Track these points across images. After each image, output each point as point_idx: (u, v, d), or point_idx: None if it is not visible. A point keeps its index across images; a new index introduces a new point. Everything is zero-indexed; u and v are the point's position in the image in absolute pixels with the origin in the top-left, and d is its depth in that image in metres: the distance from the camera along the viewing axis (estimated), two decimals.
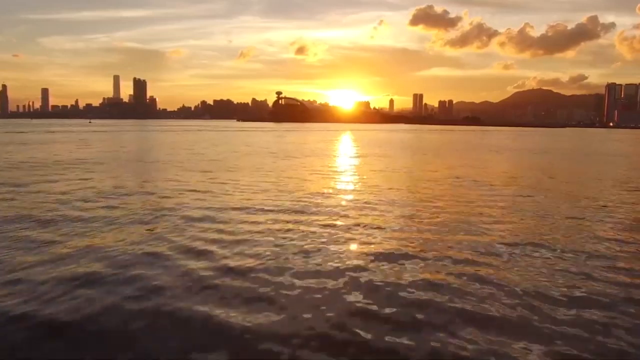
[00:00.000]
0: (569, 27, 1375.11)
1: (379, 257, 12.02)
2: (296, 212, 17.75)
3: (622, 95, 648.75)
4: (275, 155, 47.36)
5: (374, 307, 8.89)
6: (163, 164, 36.36)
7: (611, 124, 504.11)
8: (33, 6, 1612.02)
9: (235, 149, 55.17)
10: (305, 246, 12.96)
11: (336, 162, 40.87)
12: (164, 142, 72.21)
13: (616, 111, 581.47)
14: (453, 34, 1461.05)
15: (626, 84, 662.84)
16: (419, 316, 8.58)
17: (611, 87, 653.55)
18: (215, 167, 34.35)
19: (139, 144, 69.57)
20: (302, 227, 15.24)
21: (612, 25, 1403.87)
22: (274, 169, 33.88)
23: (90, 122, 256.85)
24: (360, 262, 11.58)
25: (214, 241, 13.30)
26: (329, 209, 18.48)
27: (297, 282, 10.17)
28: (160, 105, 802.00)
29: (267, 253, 12.24)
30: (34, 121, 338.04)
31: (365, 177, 30.20)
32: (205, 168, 33.32)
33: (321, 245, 13.05)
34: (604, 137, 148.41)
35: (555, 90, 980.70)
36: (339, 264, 11.37)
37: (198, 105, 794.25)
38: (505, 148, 71.03)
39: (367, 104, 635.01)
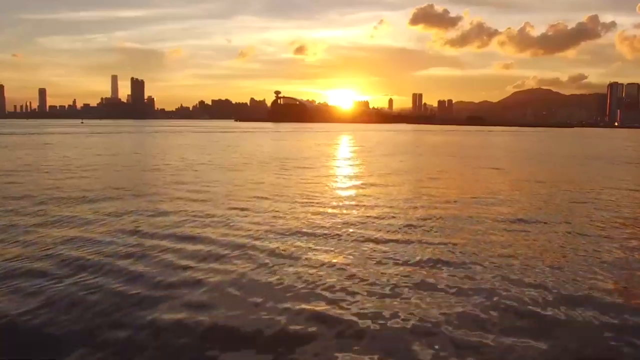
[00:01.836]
0: (569, 27, 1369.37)
1: None
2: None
3: (624, 95, 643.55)
4: (268, 167, 37.61)
5: None
6: (82, 192, 23.47)
7: (616, 124, 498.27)
8: (32, 6, 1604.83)
9: (224, 157, 46.50)
10: None
11: (364, 187, 26.84)
12: (139, 148, 63.61)
13: (619, 111, 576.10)
14: (453, 33, 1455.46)
15: (628, 84, 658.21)
16: None
17: (614, 87, 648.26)
18: (183, 190, 24.36)
19: (103, 150, 56.28)
20: None
21: (613, 24, 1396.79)
22: (263, 191, 24.31)
23: (82, 123, 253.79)
24: None
25: None
26: None
27: None
28: (159, 105, 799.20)
29: None
30: (27, 122, 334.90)
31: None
32: (163, 194, 23.04)
33: None
34: (627, 137, 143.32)
35: (554, 90, 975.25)
36: None
37: (196, 105, 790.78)
38: (559, 154, 61.86)
39: (366, 103, 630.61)
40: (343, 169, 37.91)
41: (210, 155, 47.81)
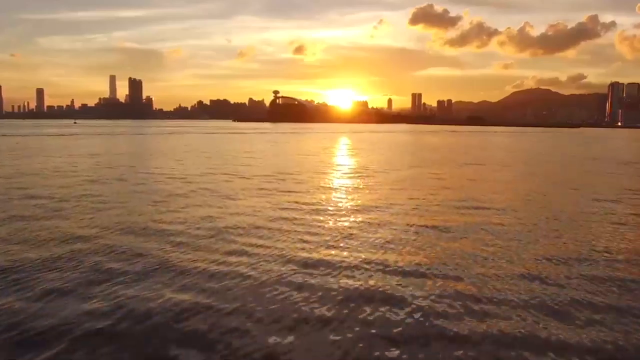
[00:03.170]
0: (569, 27, 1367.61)
1: None
2: None
3: (624, 95, 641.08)
4: (256, 188, 27.16)
5: None
6: None
7: (619, 124, 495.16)
8: (32, 6, 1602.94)
9: (205, 169, 37.44)
10: None
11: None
12: (104, 156, 50.35)
13: (620, 111, 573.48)
14: (453, 33, 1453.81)
15: (628, 83, 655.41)
16: None
17: (615, 86, 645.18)
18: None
19: (59, 160, 44.27)
20: None
21: (613, 24, 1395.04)
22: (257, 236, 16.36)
23: (75, 123, 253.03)
24: None
25: None
26: None
27: None
28: (158, 105, 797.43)
29: None
30: (23, 122, 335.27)
31: None
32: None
33: None
34: (636, 137, 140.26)
35: (553, 90, 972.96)
36: None
37: (195, 105, 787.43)
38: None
39: (365, 103, 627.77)
40: (359, 197, 25.05)
41: (199, 169, 37.66)
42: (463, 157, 56.22)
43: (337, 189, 28.48)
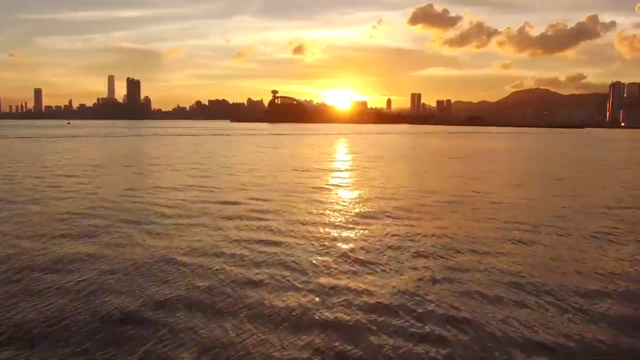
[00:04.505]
0: (568, 27, 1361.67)
1: None
2: None
3: (625, 95, 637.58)
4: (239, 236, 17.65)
5: None
6: None
7: (623, 124, 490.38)
8: (31, 6, 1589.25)
9: (175, 193, 28.31)
10: None
11: None
12: (58, 169, 40.48)
13: (621, 111, 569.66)
14: (452, 33, 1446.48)
15: (629, 83, 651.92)
16: None
17: (616, 86, 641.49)
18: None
19: None
20: None
21: (612, 24, 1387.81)
22: None
23: (68, 124, 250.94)
24: None
25: None
26: None
27: None
28: (157, 105, 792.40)
29: None
30: (20, 122, 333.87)
31: None
32: None
33: None
34: None
35: (552, 90, 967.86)
36: None
37: (193, 105, 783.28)
38: None
39: (364, 103, 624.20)
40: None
41: (167, 193, 28.08)
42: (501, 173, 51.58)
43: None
